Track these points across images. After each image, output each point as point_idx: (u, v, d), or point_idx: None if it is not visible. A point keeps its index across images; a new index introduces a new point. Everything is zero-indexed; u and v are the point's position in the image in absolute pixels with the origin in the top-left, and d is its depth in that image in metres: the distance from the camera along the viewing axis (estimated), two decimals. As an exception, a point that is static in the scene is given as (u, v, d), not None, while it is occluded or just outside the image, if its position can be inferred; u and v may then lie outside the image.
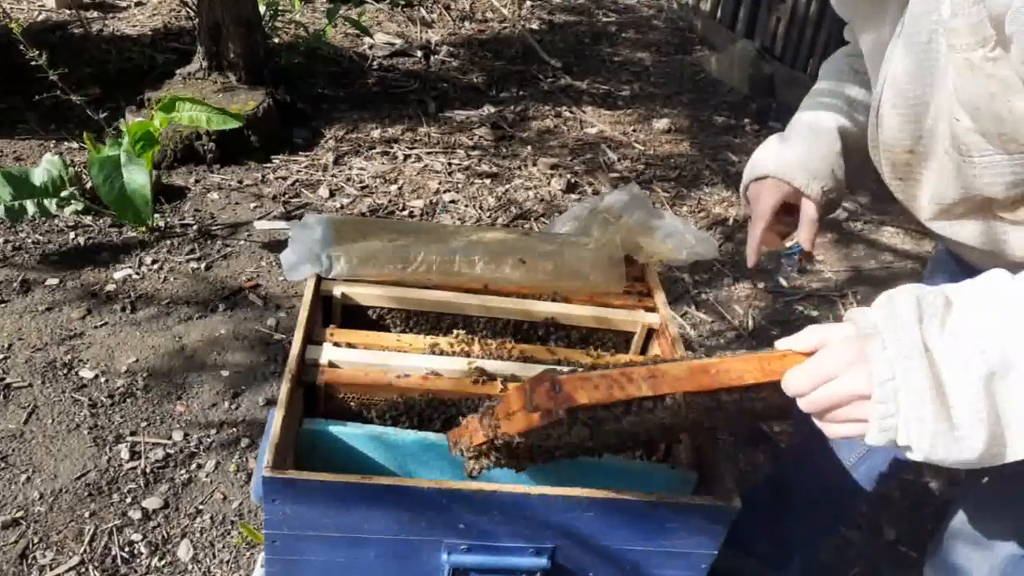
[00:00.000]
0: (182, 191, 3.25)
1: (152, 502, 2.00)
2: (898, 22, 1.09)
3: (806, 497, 1.73)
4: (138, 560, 1.87)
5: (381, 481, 1.12)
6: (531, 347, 1.45)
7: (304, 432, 1.25)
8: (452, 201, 3.41)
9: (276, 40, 4.41)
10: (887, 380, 0.84)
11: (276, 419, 1.17)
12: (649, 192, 3.61)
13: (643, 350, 1.54)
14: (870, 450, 1.62)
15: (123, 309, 2.59)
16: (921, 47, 1.05)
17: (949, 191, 1.11)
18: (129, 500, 2.00)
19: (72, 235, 2.91)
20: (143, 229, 2.93)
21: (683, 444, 1.39)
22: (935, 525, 1.54)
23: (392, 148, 3.74)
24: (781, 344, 0.97)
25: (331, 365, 1.34)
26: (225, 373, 2.40)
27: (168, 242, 2.92)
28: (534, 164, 3.74)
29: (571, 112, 4.30)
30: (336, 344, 1.37)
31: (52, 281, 2.67)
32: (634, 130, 4.21)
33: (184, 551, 1.90)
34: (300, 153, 3.62)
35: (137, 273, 2.76)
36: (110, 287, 2.68)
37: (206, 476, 2.09)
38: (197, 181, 3.33)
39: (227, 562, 1.90)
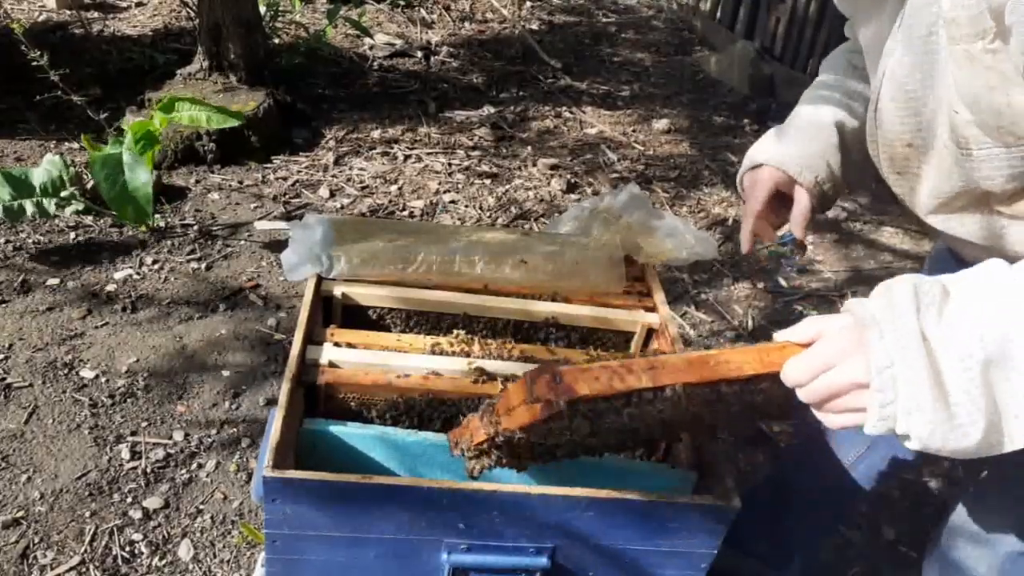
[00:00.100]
0: (182, 191, 3.25)
1: (153, 502, 2.00)
2: (897, 16, 1.10)
3: (806, 497, 1.73)
4: (139, 560, 1.88)
5: (381, 481, 1.12)
6: (531, 347, 1.45)
7: (304, 432, 1.25)
8: (452, 201, 3.41)
9: (276, 41, 4.41)
10: (885, 368, 0.84)
11: (276, 419, 1.17)
12: (649, 192, 3.61)
13: (643, 350, 1.55)
14: (868, 449, 1.62)
15: (124, 309, 2.59)
16: (921, 40, 1.05)
17: (947, 185, 1.11)
18: (130, 500, 2.00)
19: (73, 235, 2.91)
20: (143, 229, 2.94)
21: (683, 444, 1.39)
22: (935, 525, 1.54)
23: (392, 148, 3.74)
24: (779, 336, 0.98)
25: (331, 365, 1.34)
26: (226, 373, 2.40)
27: (168, 242, 2.92)
28: (534, 164, 3.75)
29: (571, 112, 4.30)
30: (336, 344, 1.38)
31: (53, 281, 2.68)
32: (634, 130, 4.21)
33: (185, 551, 1.90)
34: (300, 153, 3.62)
35: (138, 273, 2.76)
36: (111, 287, 2.68)
37: (207, 476, 2.09)
38: (198, 181, 3.33)
39: (228, 562, 1.90)
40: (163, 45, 4.34)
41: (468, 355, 1.39)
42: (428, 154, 3.73)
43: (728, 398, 1.00)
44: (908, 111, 1.11)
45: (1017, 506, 1.32)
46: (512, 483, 1.16)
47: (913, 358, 0.83)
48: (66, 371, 2.33)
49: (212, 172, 3.40)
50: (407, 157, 3.70)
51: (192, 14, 3.93)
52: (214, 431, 2.21)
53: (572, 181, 3.62)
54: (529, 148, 3.88)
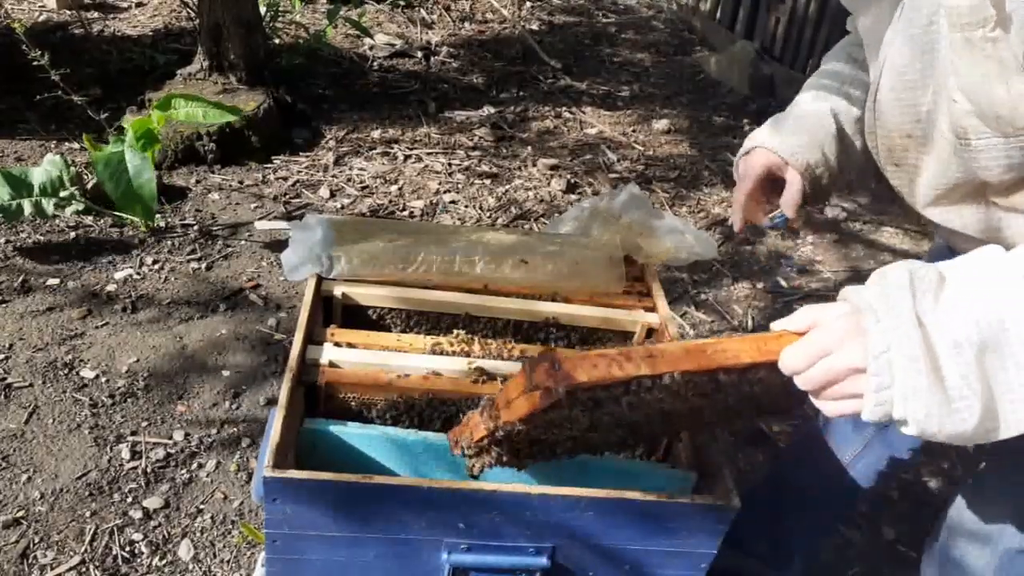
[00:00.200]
0: (183, 191, 3.26)
1: (153, 502, 2.00)
2: (897, 5, 1.10)
3: (806, 496, 1.73)
4: (139, 560, 1.88)
5: (381, 481, 1.12)
6: (531, 347, 1.45)
7: (305, 432, 1.25)
8: (452, 201, 3.41)
9: (277, 41, 4.41)
10: (882, 353, 0.84)
11: (277, 419, 1.17)
12: (649, 192, 3.61)
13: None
14: (865, 448, 1.63)
15: (124, 309, 2.59)
16: (921, 29, 1.05)
17: (945, 176, 1.11)
18: (130, 500, 2.00)
19: (73, 235, 2.91)
20: (144, 229, 2.94)
21: (683, 444, 1.39)
22: (935, 525, 1.54)
23: (392, 148, 3.75)
24: (776, 325, 0.98)
25: (332, 365, 1.34)
26: (226, 373, 2.40)
27: (169, 242, 2.92)
28: (534, 164, 3.75)
29: (571, 113, 4.30)
30: (337, 344, 1.38)
31: (53, 281, 2.68)
32: (634, 131, 4.21)
33: (185, 551, 1.90)
34: (301, 153, 3.62)
35: (138, 273, 2.76)
36: (111, 287, 2.68)
37: (207, 476, 2.09)
38: (198, 181, 3.34)
39: (228, 561, 1.90)
40: (163, 45, 4.35)
41: (468, 355, 1.39)
42: (428, 154, 3.73)
43: (726, 388, 1.00)
44: (907, 101, 1.12)
45: (1015, 505, 1.32)
46: (512, 483, 1.16)
47: (909, 343, 0.83)
48: (66, 371, 2.33)
49: (212, 172, 3.40)
50: (407, 157, 3.70)
51: (192, 14, 3.93)
52: (214, 431, 2.21)
53: (572, 181, 3.62)
54: (529, 148, 3.88)
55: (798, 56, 4.76)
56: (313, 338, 1.39)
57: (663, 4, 6.02)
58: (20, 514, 1.93)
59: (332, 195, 3.36)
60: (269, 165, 3.50)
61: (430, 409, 1.34)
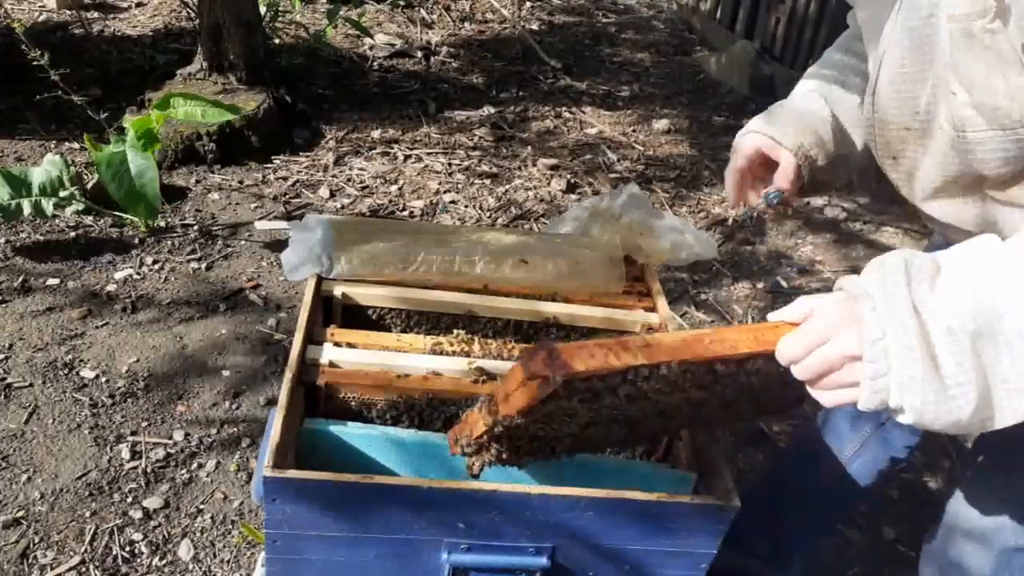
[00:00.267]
0: (183, 191, 3.26)
1: (153, 502, 2.00)
2: None
3: (806, 496, 1.73)
4: (139, 560, 1.88)
5: (381, 481, 1.12)
6: (531, 347, 1.45)
7: (304, 432, 1.25)
8: (452, 201, 3.41)
9: (277, 41, 4.41)
10: (877, 339, 0.84)
11: (277, 419, 1.17)
12: (649, 192, 3.61)
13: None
14: (863, 446, 1.63)
15: (124, 309, 2.59)
16: (920, 21, 1.06)
17: (943, 169, 1.12)
18: (130, 500, 2.00)
19: (73, 235, 2.91)
20: (144, 229, 2.94)
21: (683, 444, 1.39)
22: (932, 525, 1.54)
23: (392, 148, 3.75)
24: (773, 316, 0.98)
25: (332, 365, 1.34)
26: (226, 373, 2.40)
27: (169, 242, 2.92)
28: (534, 164, 3.75)
29: (571, 113, 4.30)
30: (337, 344, 1.38)
31: (53, 281, 2.68)
32: (634, 131, 4.21)
33: (185, 551, 1.90)
34: (301, 153, 3.62)
35: (138, 273, 2.76)
36: (111, 287, 2.68)
37: (207, 476, 2.09)
38: (198, 181, 3.34)
39: (228, 561, 1.90)
40: (163, 45, 4.35)
41: (468, 355, 1.39)
42: (428, 154, 3.73)
43: (724, 379, 1.00)
44: (906, 94, 1.12)
45: (1012, 503, 1.32)
46: (512, 483, 1.16)
47: (905, 329, 0.84)
48: (66, 371, 2.34)
49: (212, 172, 3.40)
50: (407, 157, 3.70)
51: (192, 14, 3.93)
52: (214, 431, 2.21)
53: (572, 181, 3.62)
54: (529, 148, 3.88)
55: (798, 56, 4.76)
56: (313, 338, 1.39)
57: (663, 4, 6.02)
58: (20, 514, 1.93)
59: (332, 195, 3.36)
60: (269, 165, 3.50)
61: (430, 409, 1.34)
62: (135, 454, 2.12)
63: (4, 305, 2.55)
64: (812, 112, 1.38)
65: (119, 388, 2.30)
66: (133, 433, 2.17)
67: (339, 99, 4.12)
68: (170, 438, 2.17)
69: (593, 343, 0.97)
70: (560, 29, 5.44)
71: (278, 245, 2.95)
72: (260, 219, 3.12)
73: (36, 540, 1.89)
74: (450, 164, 3.67)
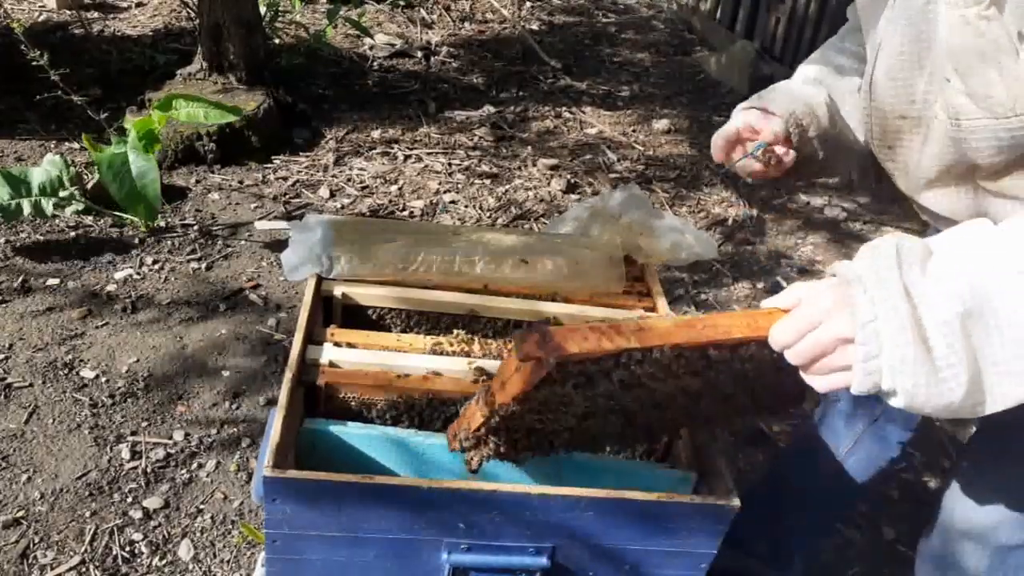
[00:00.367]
0: (183, 191, 3.26)
1: (153, 502, 2.00)
2: None
3: (806, 496, 1.73)
4: (139, 560, 1.88)
5: (381, 481, 1.12)
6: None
7: (304, 432, 1.25)
8: (452, 201, 3.41)
9: (277, 41, 4.41)
10: (869, 322, 0.85)
11: (277, 419, 1.17)
12: (649, 192, 3.61)
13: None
14: (856, 443, 1.63)
15: (124, 309, 2.59)
16: (918, 10, 1.06)
17: (937, 158, 1.12)
18: (130, 500, 2.00)
19: (73, 235, 2.91)
20: (144, 229, 2.94)
21: (683, 444, 1.39)
22: (927, 525, 1.54)
23: (392, 148, 3.75)
24: (767, 303, 0.99)
25: (332, 365, 1.34)
26: (226, 373, 2.40)
27: (169, 242, 2.92)
28: (534, 164, 3.75)
29: (571, 113, 4.30)
30: (337, 344, 1.38)
31: (53, 281, 2.68)
32: (634, 131, 4.21)
33: (185, 551, 1.90)
34: (301, 153, 3.63)
35: (138, 273, 2.76)
36: (111, 287, 2.68)
37: (207, 476, 2.09)
38: (198, 181, 3.34)
39: (228, 561, 1.90)
40: (163, 45, 4.35)
41: (468, 355, 1.39)
42: (428, 154, 3.73)
43: (717, 365, 1.00)
44: (902, 83, 1.13)
45: (1006, 501, 1.32)
46: (512, 483, 1.16)
47: (897, 312, 0.84)
48: (66, 371, 2.34)
49: (212, 172, 3.40)
50: (407, 157, 3.70)
51: (192, 14, 3.93)
52: (214, 431, 2.21)
53: (572, 181, 3.62)
54: (529, 148, 3.88)
55: (798, 56, 4.75)
56: (313, 338, 1.39)
57: (663, 4, 6.02)
58: (20, 514, 1.93)
59: (332, 195, 3.36)
60: (269, 165, 3.50)
61: (430, 409, 1.34)
62: (135, 454, 2.12)
63: (4, 305, 2.55)
64: (808, 93, 1.39)
65: (119, 388, 2.30)
66: (133, 433, 2.17)
67: (339, 99, 4.12)
68: (170, 438, 2.17)
69: (586, 326, 0.97)
70: (560, 29, 5.45)
71: (278, 245, 2.95)
72: (260, 219, 3.12)
73: (36, 540, 1.89)
74: (450, 164, 3.67)
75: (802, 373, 0.94)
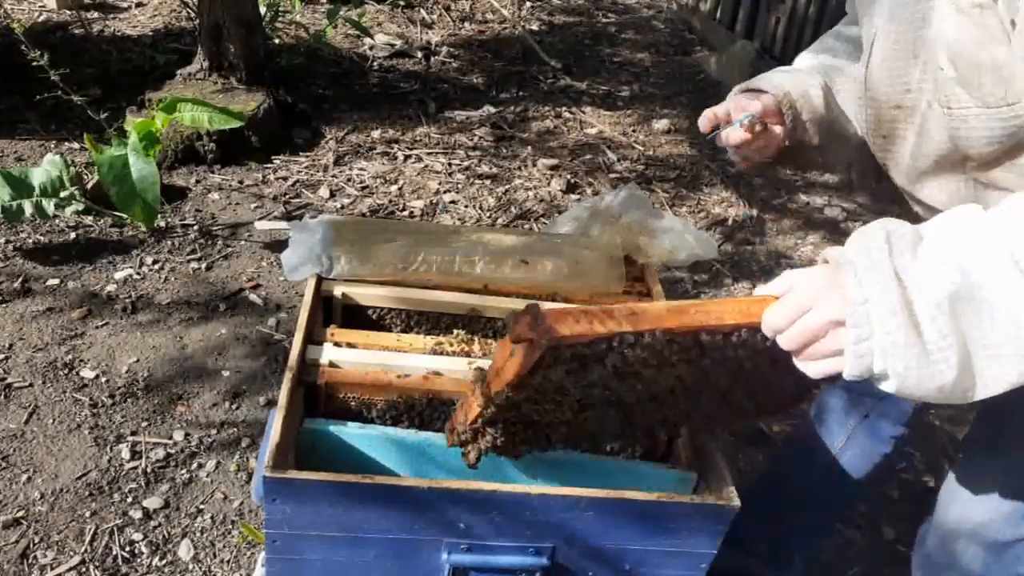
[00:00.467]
0: (183, 191, 3.26)
1: (153, 502, 2.00)
2: None
3: (805, 496, 1.73)
4: (139, 560, 1.88)
5: (381, 481, 1.12)
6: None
7: (304, 432, 1.25)
8: (452, 201, 3.41)
9: (277, 41, 4.41)
10: (859, 304, 0.85)
11: (277, 419, 1.17)
12: (649, 192, 3.61)
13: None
14: (849, 439, 1.64)
15: (124, 309, 2.59)
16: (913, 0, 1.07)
17: (932, 148, 1.13)
18: (130, 500, 2.00)
19: (73, 235, 2.91)
20: (144, 229, 2.94)
21: (683, 444, 1.39)
22: (922, 524, 1.55)
23: (392, 148, 3.75)
24: (759, 291, 0.99)
25: (332, 365, 1.34)
26: (226, 373, 2.40)
27: (169, 242, 2.92)
28: (534, 165, 3.75)
29: (571, 113, 4.30)
30: (337, 344, 1.38)
31: (53, 281, 2.68)
32: (634, 131, 4.21)
33: (185, 551, 1.90)
34: (301, 153, 3.62)
35: (138, 273, 2.76)
36: (111, 287, 2.68)
37: (207, 476, 2.09)
38: (198, 181, 3.34)
39: (228, 561, 1.90)
40: (163, 45, 4.35)
41: (468, 355, 1.39)
42: (428, 154, 3.73)
43: (710, 352, 1.00)
44: (897, 72, 1.13)
45: (1001, 498, 1.32)
46: (512, 483, 1.16)
47: (887, 295, 0.84)
48: (66, 371, 2.34)
49: (212, 172, 3.40)
50: (407, 157, 3.70)
51: (192, 14, 3.93)
52: (214, 431, 2.21)
53: (572, 181, 3.62)
54: (529, 148, 3.88)
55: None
56: (313, 338, 1.39)
57: (663, 4, 6.02)
58: (20, 514, 1.93)
59: (332, 195, 3.36)
60: (269, 165, 3.50)
61: (430, 409, 1.34)
62: (135, 454, 2.12)
63: (4, 305, 2.55)
64: (803, 78, 1.38)
65: (119, 388, 2.30)
66: (133, 433, 2.17)
67: (339, 99, 4.12)
68: (170, 438, 2.17)
69: (579, 309, 0.98)
70: (560, 29, 5.44)
71: (278, 245, 2.95)
72: (260, 219, 3.12)
73: (36, 540, 1.89)
74: (450, 164, 3.67)
75: (795, 359, 0.94)
